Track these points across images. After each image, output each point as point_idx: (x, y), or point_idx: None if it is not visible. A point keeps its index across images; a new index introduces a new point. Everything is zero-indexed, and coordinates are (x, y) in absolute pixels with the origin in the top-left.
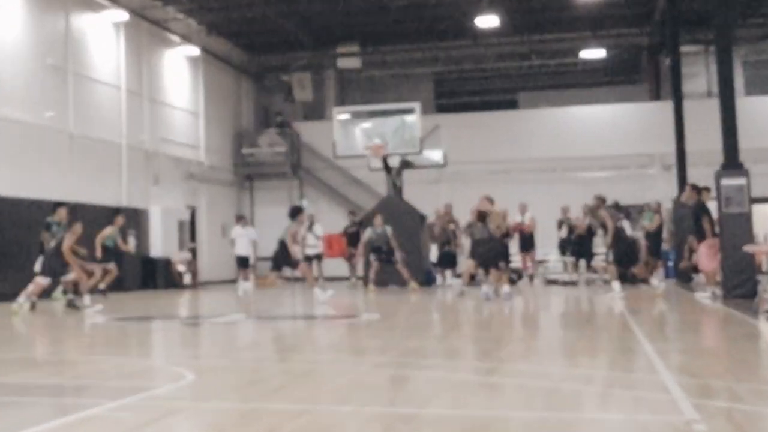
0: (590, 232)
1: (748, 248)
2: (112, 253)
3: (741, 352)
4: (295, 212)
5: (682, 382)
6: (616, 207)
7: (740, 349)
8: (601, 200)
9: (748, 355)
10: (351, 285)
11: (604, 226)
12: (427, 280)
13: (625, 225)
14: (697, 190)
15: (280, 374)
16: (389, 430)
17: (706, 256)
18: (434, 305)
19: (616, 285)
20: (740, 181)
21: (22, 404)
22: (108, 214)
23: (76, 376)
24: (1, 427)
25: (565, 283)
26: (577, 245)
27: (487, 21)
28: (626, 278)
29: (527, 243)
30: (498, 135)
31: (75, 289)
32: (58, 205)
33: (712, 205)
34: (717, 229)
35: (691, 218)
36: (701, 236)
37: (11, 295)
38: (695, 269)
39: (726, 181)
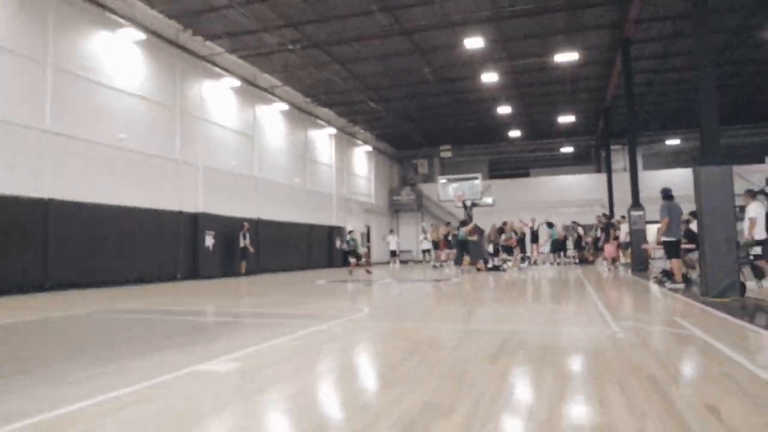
0: (565, 239)
1: (644, 246)
2: (461, 243)
3: (640, 299)
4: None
5: (610, 313)
6: (574, 224)
7: (640, 297)
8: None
9: (644, 300)
10: (440, 266)
11: None
12: (485, 262)
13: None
14: (607, 217)
15: (410, 307)
16: (466, 337)
17: (608, 251)
18: (491, 275)
19: None
20: (640, 212)
21: (275, 324)
22: (326, 229)
23: (312, 310)
24: (266, 334)
25: (551, 264)
26: (559, 245)
27: (515, 133)
28: (585, 261)
29: (534, 237)
30: (519, 189)
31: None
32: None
33: (625, 226)
34: (623, 236)
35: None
36: (606, 240)
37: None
38: (597, 256)
39: (633, 213)
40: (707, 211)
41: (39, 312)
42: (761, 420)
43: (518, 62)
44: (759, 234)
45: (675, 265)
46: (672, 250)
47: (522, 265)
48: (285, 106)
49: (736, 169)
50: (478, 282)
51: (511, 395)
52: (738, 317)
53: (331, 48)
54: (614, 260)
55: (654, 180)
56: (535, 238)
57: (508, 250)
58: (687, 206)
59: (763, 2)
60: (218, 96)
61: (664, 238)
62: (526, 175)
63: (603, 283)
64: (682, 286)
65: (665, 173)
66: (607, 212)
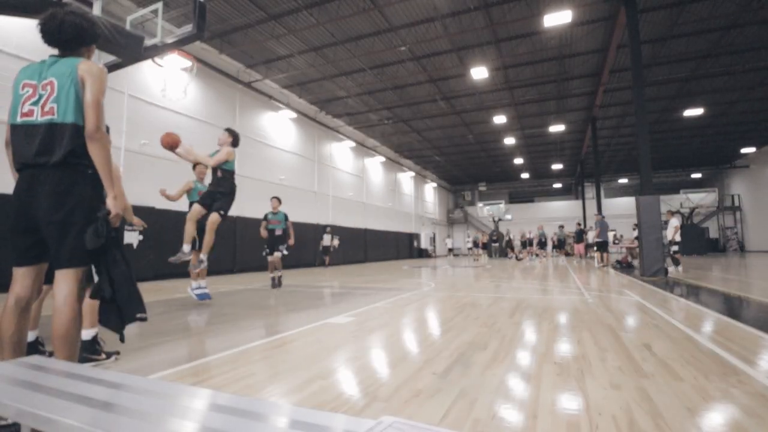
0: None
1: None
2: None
3: (602, 278)
4: None
5: (584, 287)
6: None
7: (599, 277)
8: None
9: (604, 278)
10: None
11: None
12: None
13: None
14: (580, 226)
15: (460, 282)
16: (494, 301)
17: (578, 249)
18: (509, 262)
19: None
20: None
21: (376, 293)
22: (408, 235)
23: (399, 284)
24: (370, 300)
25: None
26: (558, 245)
27: (525, 175)
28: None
29: (531, 242)
30: (528, 210)
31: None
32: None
33: (592, 233)
34: (590, 239)
35: (576, 235)
36: (579, 241)
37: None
38: (570, 253)
39: (598, 217)
40: (644, 223)
41: (230, 286)
42: (677, 353)
43: (527, 131)
44: (677, 238)
45: (606, 257)
46: (603, 246)
47: (531, 257)
48: (382, 158)
49: (662, 197)
50: (501, 267)
51: (523, 337)
52: (662, 289)
53: (411, 122)
54: (581, 256)
55: (611, 204)
56: (530, 242)
57: (524, 246)
58: (631, 220)
59: (678, 95)
60: (341, 152)
61: (597, 240)
62: (532, 201)
63: (578, 269)
64: (608, 267)
65: (618, 200)
66: (582, 225)
